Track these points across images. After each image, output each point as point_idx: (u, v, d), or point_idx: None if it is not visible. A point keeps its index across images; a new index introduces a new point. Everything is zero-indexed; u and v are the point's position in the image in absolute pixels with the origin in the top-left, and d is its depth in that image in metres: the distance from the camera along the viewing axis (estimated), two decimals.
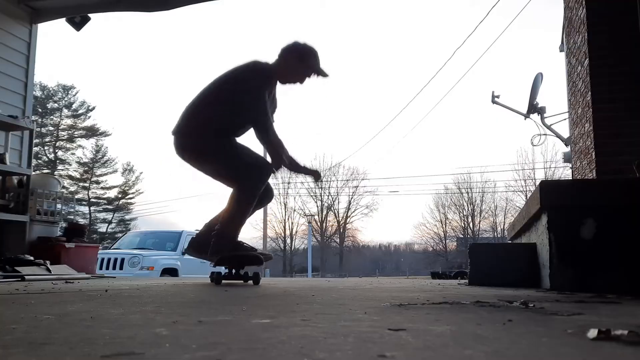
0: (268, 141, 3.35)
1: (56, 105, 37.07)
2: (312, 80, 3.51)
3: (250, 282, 3.27)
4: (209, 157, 3.35)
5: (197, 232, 3.58)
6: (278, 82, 3.51)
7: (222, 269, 3.32)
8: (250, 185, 3.22)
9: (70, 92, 37.29)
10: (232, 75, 3.39)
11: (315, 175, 3.63)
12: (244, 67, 3.38)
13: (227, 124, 3.34)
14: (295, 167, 3.53)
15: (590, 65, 4.22)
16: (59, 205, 5.57)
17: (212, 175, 3.50)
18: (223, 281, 3.25)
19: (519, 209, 7.00)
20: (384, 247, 52.11)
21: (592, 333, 0.90)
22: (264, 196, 3.44)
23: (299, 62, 3.45)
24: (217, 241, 3.22)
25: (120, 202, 38.41)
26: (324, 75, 3.51)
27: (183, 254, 11.81)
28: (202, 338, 0.91)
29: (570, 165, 5.86)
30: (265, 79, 3.36)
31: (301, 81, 3.51)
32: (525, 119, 9.33)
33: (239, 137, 3.47)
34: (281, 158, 3.37)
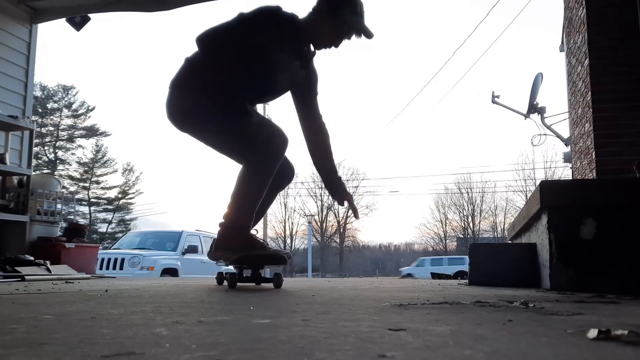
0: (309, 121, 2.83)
1: (56, 105, 37.10)
2: (353, 42, 2.75)
3: (271, 284, 2.71)
4: (210, 122, 2.60)
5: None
6: (312, 45, 2.78)
7: (231, 269, 2.78)
8: (262, 163, 2.55)
9: (70, 92, 37.34)
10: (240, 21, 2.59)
11: (355, 212, 2.96)
12: (254, 13, 2.59)
13: (237, 83, 2.58)
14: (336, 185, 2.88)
15: (590, 65, 4.22)
16: (59, 206, 5.57)
17: (215, 148, 2.83)
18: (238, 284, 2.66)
19: (519, 209, 7.00)
20: (384, 247, 52.16)
21: (592, 333, 0.90)
22: (283, 176, 2.80)
23: (330, 14, 2.67)
24: (223, 232, 2.60)
25: (121, 202, 38.45)
26: (367, 34, 2.71)
27: (183, 254, 11.82)
28: (202, 338, 0.91)
29: (571, 165, 5.87)
30: (276, 27, 2.62)
31: (335, 42, 2.74)
32: (525, 119, 9.34)
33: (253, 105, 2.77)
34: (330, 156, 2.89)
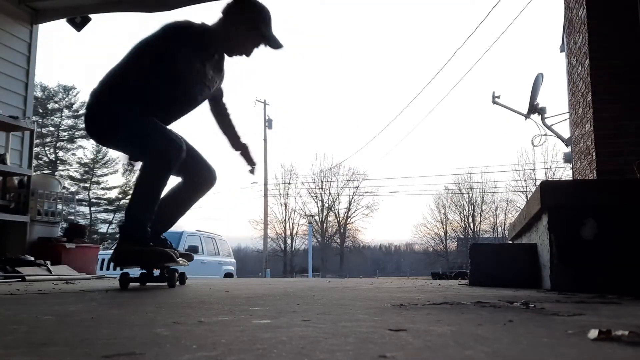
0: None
1: (57, 105, 37.08)
2: (261, 51, 2.78)
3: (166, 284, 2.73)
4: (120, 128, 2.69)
5: None
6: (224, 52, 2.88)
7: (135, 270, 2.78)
8: (153, 169, 2.64)
9: (70, 92, 37.34)
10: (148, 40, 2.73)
11: (251, 163, 3.21)
12: (161, 29, 2.70)
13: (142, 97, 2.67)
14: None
15: (590, 65, 4.22)
16: (59, 206, 5.57)
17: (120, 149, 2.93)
18: (132, 284, 2.71)
19: (519, 210, 7.01)
20: (385, 248, 52.14)
21: (593, 333, 0.90)
22: (199, 184, 2.96)
23: (240, 23, 2.74)
24: (122, 229, 2.71)
25: (121, 203, 38.39)
26: (274, 45, 2.80)
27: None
28: (202, 338, 0.91)
29: (571, 166, 5.86)
30: (186, 40, 2.69)
31: (246, 52, 2.82)
32: (525, 120, 9.32)
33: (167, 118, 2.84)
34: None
